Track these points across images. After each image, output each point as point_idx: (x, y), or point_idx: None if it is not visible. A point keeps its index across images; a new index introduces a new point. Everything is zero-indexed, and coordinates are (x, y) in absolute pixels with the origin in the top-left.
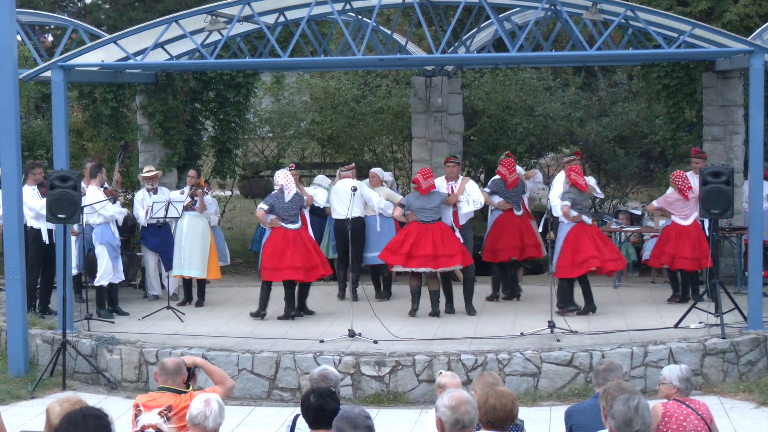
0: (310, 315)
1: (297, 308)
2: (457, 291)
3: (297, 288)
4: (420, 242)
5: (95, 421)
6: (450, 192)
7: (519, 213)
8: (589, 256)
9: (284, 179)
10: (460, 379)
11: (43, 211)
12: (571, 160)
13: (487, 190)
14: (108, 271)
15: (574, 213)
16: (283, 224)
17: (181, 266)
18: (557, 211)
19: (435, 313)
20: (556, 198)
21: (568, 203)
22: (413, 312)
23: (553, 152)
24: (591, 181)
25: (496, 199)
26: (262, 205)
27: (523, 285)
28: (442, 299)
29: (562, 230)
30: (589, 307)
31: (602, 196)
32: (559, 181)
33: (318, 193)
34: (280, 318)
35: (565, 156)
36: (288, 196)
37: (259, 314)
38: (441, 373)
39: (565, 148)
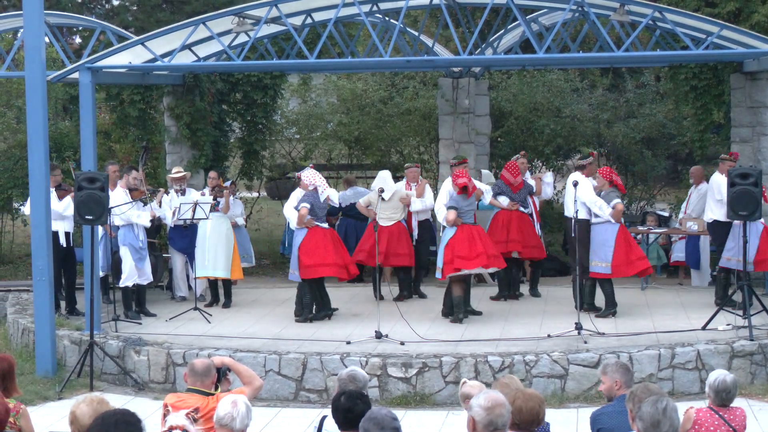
0: (335, 314)
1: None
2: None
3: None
4: (489, 243)
5: (127, 428)
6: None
7: (527, 211)
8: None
9: (319, 179)
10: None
11: (67, 212)
12: (590, 162)
13: (490, 193)
14: (132, 272)
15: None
16: (317, 223)
17: (205, 267)
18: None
19: (471, 313)
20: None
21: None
22: (459, 319)
23: (581, 153)
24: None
25: (504, 201)
26: (305, 204)
27: (549, 287)
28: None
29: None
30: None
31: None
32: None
33: (334, 192)
34: (305, 320)
35: (579, 158)
36: (322, 196)
37: (311, 316)
38: (465, 382)
39: (582, 149)
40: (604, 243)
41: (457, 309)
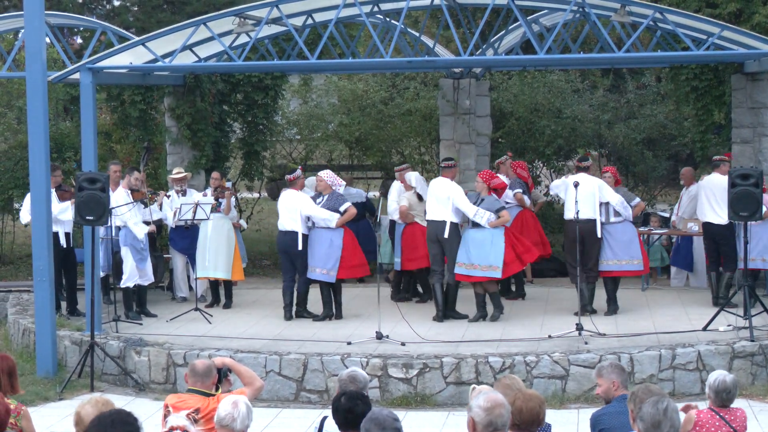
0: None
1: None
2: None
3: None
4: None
5: (124, 428)
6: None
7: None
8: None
9: (337, 178)
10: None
11: (61, 216)
12: (591, 163)
13: (519, 190)
14: (133, 273)
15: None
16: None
17: (206, 268)
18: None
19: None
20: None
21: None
22: (496, 317)
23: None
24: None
25: (527, 200)
26: (350, 203)
27: (549, 287)
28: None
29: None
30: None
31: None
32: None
33: None
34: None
35: (579, 159)
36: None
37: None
38: (474, 388)
39: (579, 150)
40: (630, 241)
41: (497, 305)
